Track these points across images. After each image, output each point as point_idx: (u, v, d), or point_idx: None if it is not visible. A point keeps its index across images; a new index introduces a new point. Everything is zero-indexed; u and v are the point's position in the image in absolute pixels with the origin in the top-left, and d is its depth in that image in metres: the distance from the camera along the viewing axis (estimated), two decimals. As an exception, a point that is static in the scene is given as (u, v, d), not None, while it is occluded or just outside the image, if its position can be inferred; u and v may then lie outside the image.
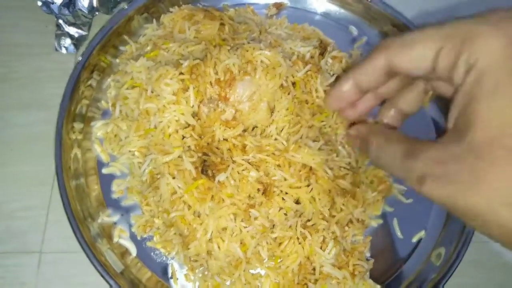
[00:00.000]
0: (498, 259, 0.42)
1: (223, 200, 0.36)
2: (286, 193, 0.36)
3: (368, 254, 0.40)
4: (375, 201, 0.40)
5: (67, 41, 0.46)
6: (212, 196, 0.36)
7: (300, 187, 0.36)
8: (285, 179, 0.36)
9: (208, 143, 0.36)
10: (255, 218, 0.35)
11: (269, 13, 0.49)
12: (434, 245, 0.40)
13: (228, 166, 0.35)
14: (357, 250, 0.38)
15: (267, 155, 0.35)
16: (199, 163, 0.36)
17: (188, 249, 0.36)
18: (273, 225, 0.37)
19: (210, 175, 0.36)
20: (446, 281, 0.36)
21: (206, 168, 0.35)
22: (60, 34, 0.46)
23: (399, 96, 0.30)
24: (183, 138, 0.38)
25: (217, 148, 0.37)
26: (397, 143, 0.25)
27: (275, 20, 0.49)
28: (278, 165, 0.36)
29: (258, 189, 0.35)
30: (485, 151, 0.20)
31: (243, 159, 0.35)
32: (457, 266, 0.37)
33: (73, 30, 0.46)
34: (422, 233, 0.41)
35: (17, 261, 0.40)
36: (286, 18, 0.49)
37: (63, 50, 0.46)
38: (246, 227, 0.35)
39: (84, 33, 0.47)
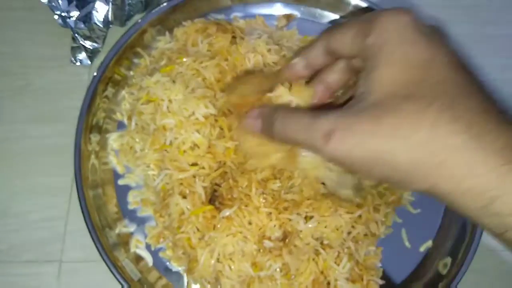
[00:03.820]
0: (502, 268, 0.43)
1: (229, 227, 0.36)
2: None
3: (379, 264, 0.41)
4: (387, 214, 0.41)
5: (82, 54, 0.47)
6: (214, 226, 0.36)
7: (326, 227, 0.36)
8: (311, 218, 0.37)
9: (226, 172, 0.37)
10: (270, 251, 0.36)
11: (279, 25, 0.50)
12: (441, 255, 0.41)
13: (238, 201, 0.36)
14: (370, 264, 0.39)
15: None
16: (210, 190, 0.36)
17: (193, 273, 0.37)
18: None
19: (217, 206, 0.36)
20: (454, 290, 0.38)
21: (214, 198, 0.36)
22: (76, 47, 0.47)
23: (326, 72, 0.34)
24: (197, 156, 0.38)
25: (235, 180, 0.37)
26: (303, 111, 0.28)
27: (285, 32, 0.49)
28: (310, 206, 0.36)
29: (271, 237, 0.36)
30: (383, 102, 0.24)
31: (263, 193, 0.36)
32: (463, 275, 0.38)
33: (88, 43, 0.47)
34: (429, 243, 0.43)
35: (38, 270, 0.42)
36: (297, 30, 0.49)
37: (78, 63, 0.47)
38: (259, 250, 0.36)
39: (98, 45, 0.47)
